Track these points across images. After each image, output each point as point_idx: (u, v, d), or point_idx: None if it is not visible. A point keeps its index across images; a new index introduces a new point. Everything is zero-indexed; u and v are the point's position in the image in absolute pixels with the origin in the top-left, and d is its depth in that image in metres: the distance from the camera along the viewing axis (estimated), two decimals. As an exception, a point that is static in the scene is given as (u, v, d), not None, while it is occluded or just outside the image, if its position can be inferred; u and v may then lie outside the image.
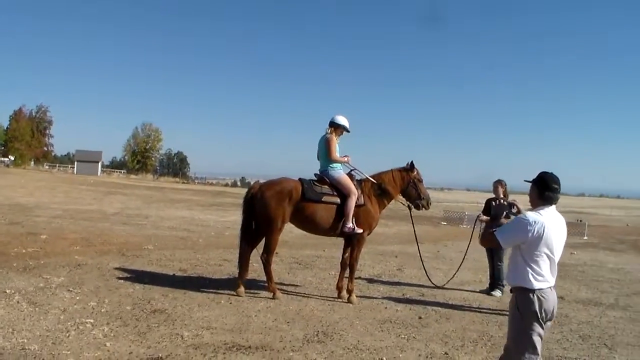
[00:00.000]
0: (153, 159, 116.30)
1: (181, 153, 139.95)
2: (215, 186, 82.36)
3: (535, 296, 4.29)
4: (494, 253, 10.28)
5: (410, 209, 9.52)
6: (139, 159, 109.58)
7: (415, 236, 10.39)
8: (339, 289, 9.06)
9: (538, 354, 4.32)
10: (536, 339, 4.30)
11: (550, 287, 4.36)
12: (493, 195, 10.69)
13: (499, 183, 10.51)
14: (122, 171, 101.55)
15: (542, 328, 4.32)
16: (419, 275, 10.47)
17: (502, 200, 10.21)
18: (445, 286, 10.28)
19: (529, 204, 4.64)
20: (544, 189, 4.44)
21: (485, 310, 8.83)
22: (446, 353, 6.47)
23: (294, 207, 8.56)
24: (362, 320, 7.70)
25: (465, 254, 10.93)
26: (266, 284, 8.73)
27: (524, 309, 4.32)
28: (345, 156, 9.04)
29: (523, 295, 4.36)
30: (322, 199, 8.62)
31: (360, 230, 8.73)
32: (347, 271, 9.00)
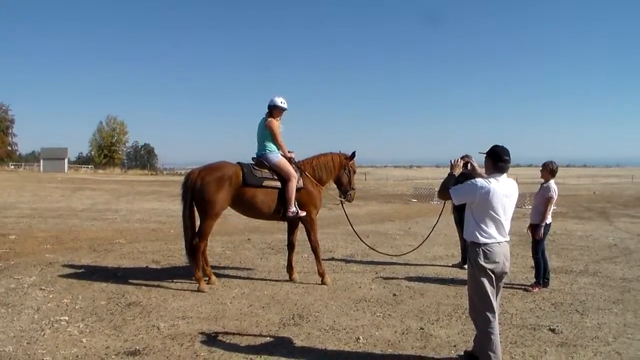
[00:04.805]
0: (120, 152, 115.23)
1: (148, 145, 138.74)
2: (184, 176, 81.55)
3: (481, 249, 4.96)
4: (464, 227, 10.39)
5: (342, 203, 9.46)
6: (106, 153, 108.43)
7: (348, 218, 10.11)
8: (290, 272, 9.04)
9: (491, 305, 4.90)
10: (486, 290, 4.93)
11: (497, 243, 4.98)
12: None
13: (466, 157, 10.62)
14: (90, 166, 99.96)
15: (492, 281, 4.97)
16: (392, 254, 10.51)
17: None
18: (418, 262, 10.35)
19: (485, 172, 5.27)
20: (497, 160, 5.05)
21: (458, 284, 8.93)
22: (422, 328, 6.56)
23: (235, 193, 8.33)
24: (336, 300, 7.77)
25: (433, 228, 10.95)
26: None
27: (473, 261, 5.01)
28: (290, 152, 8.84)
29: (473, 249, 5.06)
30: (263, 184, 8.45)
31: (304, 214, 8.63)
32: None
